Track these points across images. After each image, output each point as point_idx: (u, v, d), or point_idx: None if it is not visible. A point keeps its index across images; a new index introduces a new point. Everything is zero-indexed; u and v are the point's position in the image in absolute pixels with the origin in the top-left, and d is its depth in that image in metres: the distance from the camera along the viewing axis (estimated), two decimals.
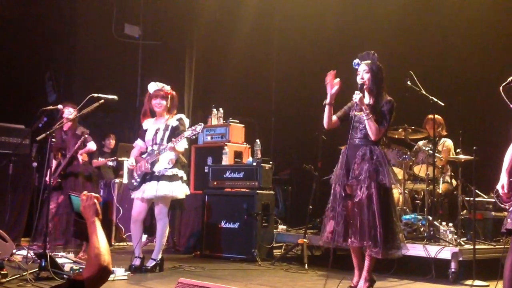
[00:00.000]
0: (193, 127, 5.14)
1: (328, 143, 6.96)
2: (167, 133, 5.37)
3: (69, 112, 6.11)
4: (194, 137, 5.31)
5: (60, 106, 5.91)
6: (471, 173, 5.65)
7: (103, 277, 2.29)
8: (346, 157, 4.52)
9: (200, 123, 5.20)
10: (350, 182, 4.44)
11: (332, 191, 4.59)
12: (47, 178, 6.05)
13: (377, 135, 4.44)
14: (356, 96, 4.39)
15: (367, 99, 4.53)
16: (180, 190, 5.40)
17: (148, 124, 5.55)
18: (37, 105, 6.38)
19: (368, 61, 4.53)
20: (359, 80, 4.52)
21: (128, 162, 5.63)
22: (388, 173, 4.40)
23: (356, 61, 4.58)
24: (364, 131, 4.47)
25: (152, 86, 5.54)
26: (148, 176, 5.35)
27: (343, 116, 4.62)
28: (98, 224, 2.42)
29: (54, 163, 6.23)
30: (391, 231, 4.39)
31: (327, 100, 4.47)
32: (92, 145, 6.50)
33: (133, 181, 5.47)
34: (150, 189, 5.29)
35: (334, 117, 4.58)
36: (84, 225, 2.46)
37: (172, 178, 5.33)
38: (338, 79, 4.43)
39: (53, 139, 5.07)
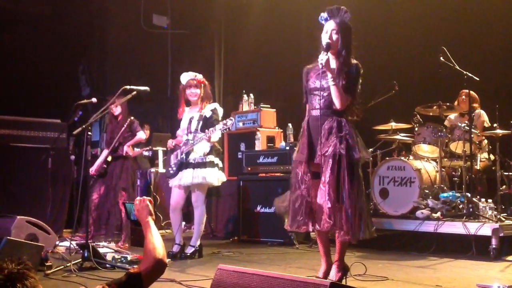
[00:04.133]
0: (224, 121, 5.16)
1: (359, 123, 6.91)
2: (201, 123, 5.42)
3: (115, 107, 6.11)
4: (225, 131, 5.35)
5: (94, 100, 5.98)
6: (509, 148, 5.55)
7: (158, 269, 2.40)
8: (309, 131, 4.05)
9: (230, 118, 5.28)
10: (317, 159, 3.91)
11: (294, 170, 4.10)
12: (92, 169, 6.18)
13: (343, 104, 3.89)
14: (323, 57, 3.83)
15: (333, 63, 3.99)
16: (215, 177, 5.44)
17: (183, 113, 5.62)
18: (71, 99, 6.50)
19: (338, 19, 3.98)
20: (324, 39, 3.95)
21: (169, 142, 5.68)
22: (358, 148, 3.93)
23: (324, 15, 4.01)
24: (326, 100, 3.94)
25: (185, 77, 5.60)
26: (184, 164, 5.42)
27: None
28: (151, 222, 2.58)
29: (105, 152, 6.36)
30: (364, 211, 3.94)
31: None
32: (141, 134, 6.36)
33: (169, 169, 5.56)
34: (187, 177, 5.36)
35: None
36: (141, 231, 2.60)
37: (208, 165, 5.39)
38: None
39: (89, 133, 5.16)
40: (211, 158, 5.42)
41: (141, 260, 2.49)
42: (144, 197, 2.68)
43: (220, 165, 5.57)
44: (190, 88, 5.52)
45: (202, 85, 5.56)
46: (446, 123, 6.67)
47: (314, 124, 4.00)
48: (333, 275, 3.94)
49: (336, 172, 3.83)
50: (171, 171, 5.50)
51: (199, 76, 5.59)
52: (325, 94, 3.94)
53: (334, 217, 3.79)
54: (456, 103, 6.61)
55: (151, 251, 2.39)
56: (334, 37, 3.95)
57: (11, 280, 1.82)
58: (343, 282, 3.91)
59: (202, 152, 5.40)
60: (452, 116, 6.79)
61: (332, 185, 3.81)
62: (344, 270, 4.00)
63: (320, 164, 3.90)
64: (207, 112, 5.46)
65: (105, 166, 6.28)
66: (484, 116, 6.57)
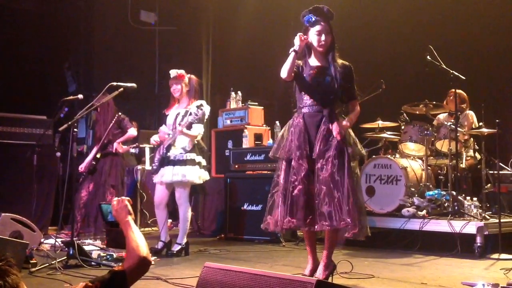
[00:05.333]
0: (195, 111, 5.14)
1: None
2: (185, 118, 5.39)
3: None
4: (196, 122, 5.26)
5: (80, 96, 5.92)
6: (495, 146, 5.60)
7: (143, 267, 2.39)
8: (304, 127, 3.98)
9: (201, 107, 5.16)
10: (316, 155, 3.90)
11: (284, 166, 4.03)
12: (81, 167, 6.14)
13: (357, 114, 4.08)
14: (335, 127, 3.88)
15: (321, 61, 4.01)
16: (196, 175, 5.39)
17: (171, 110, 5.60)
18: (57, 96, 6.44)
19: (326, 19, 3.97)
20: (317, 40, 3.97)
21: (152, 138, 5.65)
22: (356, 143, 4.03)
23: (313, 18, 3.97)
24: (320, 97, 3.96)
25: (171, 74, 5.58)
26: (166, 161, 5.40)
27: (295, 74, 4.04)
28: (131, 221, 2.53)
29: (95, 149, 6.32)
30: (363, 206, 4.04)
31: (296, 47, 3.93)
32: (132, 131, 6.34)
33: (153, 165, 5.56)
34: (167, 174, 5.35)
35: None
36: (117, 233, 2.55)
37: (187, 163, 5.34)
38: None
39: (75, 129, 5.11)
40: (192, 156, 5.38)
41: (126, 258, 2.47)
42: (123, 197, 2.64)
43: (203, 163, 5.51)
44: (172, 85, 5.52)
45: (185, 79, 5.53)
46: (434, 122, 6.72)
47: (310, 121, 4.00)
48: (320, 273, 3.94)
49: (340, 168, 3.84)
50: (154, 167, 5.49)
51: (180, 71, 5.56)
52: (318, 91, 3.96)
53: (337, 215, 3.77)
54: (445, 102, 6.64)
55: (135, 249, 2.37)
56: (328, 38, 3.98)
57: None
58: (330, 279, 3.92)
59: (181, 147, 5.37)
60: (441, 115, 6.83)
61: (338, 182, 3.82)
62: (332, 267, 4.01)
63: (320, 161, 3.88)
64: (193, 108, 5.42)
65: (94, 163, 6.25)
66: (473, 118, 6.62)
